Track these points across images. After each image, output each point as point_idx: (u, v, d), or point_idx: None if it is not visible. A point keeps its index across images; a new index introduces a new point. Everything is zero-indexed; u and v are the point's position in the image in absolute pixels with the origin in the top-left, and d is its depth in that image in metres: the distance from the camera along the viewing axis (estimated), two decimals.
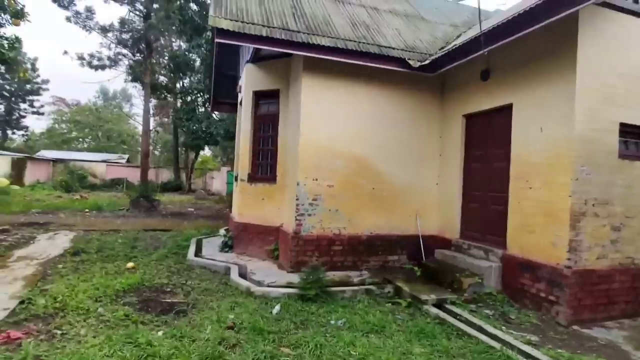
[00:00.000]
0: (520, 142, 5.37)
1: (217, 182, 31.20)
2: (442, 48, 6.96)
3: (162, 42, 19.43)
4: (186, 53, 17.70)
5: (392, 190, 6.84)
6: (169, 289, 5.45)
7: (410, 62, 6.24)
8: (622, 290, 4.83)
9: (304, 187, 6.31)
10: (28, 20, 10.50)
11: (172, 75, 19.60)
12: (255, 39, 5.61)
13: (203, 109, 17.73)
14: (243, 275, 6.22)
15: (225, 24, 5.41)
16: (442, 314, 4.72)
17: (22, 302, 4.59)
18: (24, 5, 10.32)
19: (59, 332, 3.84)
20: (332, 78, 6.44)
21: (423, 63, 6.15)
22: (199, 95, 16.33)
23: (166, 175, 33.96)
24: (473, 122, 6.48)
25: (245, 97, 7.75)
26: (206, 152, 38.07)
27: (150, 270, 6.41)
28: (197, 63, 18.24)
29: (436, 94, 7.15)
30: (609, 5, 4.67)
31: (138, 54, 16.92)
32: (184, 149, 30.57)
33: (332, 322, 4.42)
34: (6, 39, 10.89)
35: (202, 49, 16.84)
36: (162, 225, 12.04)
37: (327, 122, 6.44)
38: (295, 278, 5.82)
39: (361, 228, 6.66)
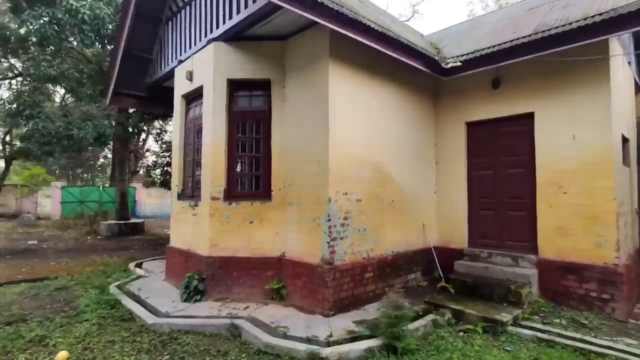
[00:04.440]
0: (548, 149, 5.58)
1: (49, 202, 23.69)
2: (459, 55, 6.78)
3: None
4: (24, 26, 12.54)
5: (405, 201, 6.20)
6: None
7: (443, 62, 5.79)
8: (632, 277, 5.52)
9: (335, 204, 4.99)
10: None
11: None
12: (306, 4, 4.07)
13: (57, 104, 12.82)
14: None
15: None
16: (540, 335, 4.33)
17: None
18: None
19: None
20: (354, 70, 5.38)
21: (455, 64, 5.78)
22: (56, 84, 11.68)
23: None
24: (478, 130, 6.49)
25: (212, 87, 5.72)
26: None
27: (106, 355, 3.84)
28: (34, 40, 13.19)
29: (431, 100, 6.93)
30: None
31: None
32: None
33: None
34: None
35: (45, 21, 12.25)
36: (17, 272, 7.91)
37: (353, 123, 5.32)
38: (343, 323, 4.50)
39: (385, 248, 5.76)
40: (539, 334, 4.34)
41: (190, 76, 6.32)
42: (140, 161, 30.82)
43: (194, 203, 6.08)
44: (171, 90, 8.25)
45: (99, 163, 38.58)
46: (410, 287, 6.07)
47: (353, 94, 5.34)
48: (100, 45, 13.83)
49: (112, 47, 12.82)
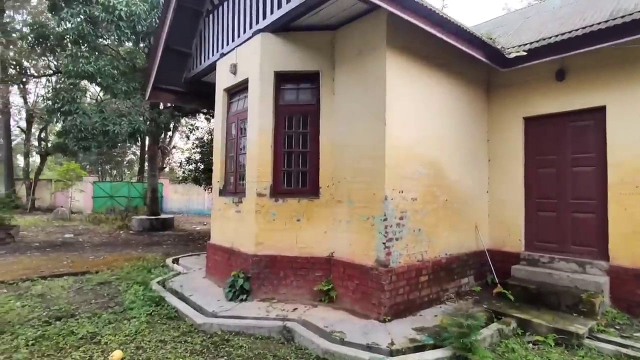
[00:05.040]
0: (622, 146, 5.10)
1: (81, 197, 24.34)
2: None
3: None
4: (59, 24, 12.78)
5: (458, 201, 5.84)
6: None
7: (504, 52, 5.40)
8: None
9: (392, 202, 4.70)
10: None
11: (29, 50, 13.79)
12: None
13: (88, 100, 13.01)
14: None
15: None
16: (623, 350, 3.92)
17: None
18: None
19: None
20: (410, 61, 5.05)
21: (519, 53, 5.36)
22: (93, 80, 11.83)
23: None
24: (538, 125, 6.04)
25: (259, 80, 5.52)
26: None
27: (160, 356, 3.70)
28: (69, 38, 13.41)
29: (484, 93, 6.51)
30: None
31: None
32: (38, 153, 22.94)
33: None
34: None
35: (82, 19, 12.42)
36: (59, 265, 7.99)
37: (408, 117, 5.01)
38: (403, 330, 4.21)
39: (439, 249, 5.42)
40: (622, 349, 3.92)
41: (234, 69, 6.15)
42: (167, 157, 31.36)
43: (237, 199, 5.91)
44: (209, 85, 8.17)
45: (126, 159, 39.51)
46: (463, 292, 5.71)
47: (409, 86, 5.02)
48: (133, 43, 13.97)
49: (147, 43, 12.96)
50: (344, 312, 4.82)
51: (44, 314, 4.86)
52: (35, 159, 29.65)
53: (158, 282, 6.31)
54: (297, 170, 5.60)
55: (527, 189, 6.13)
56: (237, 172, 6.23)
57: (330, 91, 5.47)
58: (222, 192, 6.51)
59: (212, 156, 12.64)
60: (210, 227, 6.85)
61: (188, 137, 17.12)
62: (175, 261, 8.24)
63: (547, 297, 5.03)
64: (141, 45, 14.13)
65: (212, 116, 16.77)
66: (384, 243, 4.60)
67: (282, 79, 5.62)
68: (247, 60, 5.84)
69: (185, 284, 6.16)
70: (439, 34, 4.67)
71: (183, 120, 22.01)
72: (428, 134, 5.30)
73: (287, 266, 5.32)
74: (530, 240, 6.05)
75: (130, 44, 14.16)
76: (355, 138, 5.07)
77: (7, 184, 24.60)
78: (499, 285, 5.57)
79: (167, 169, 32.82)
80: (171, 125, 19.29)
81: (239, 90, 6.28)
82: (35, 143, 27.99)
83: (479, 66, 6.11)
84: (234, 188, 6.24)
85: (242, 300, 5.22)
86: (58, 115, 12.12)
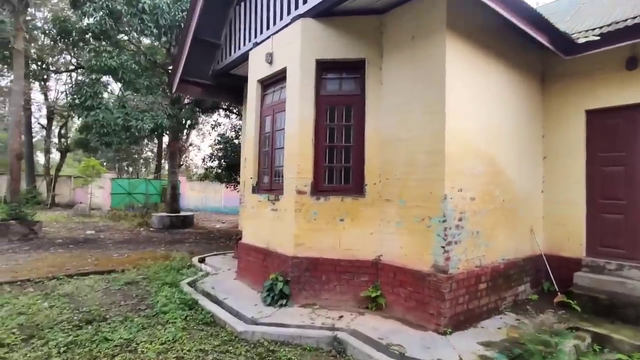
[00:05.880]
0: None
1: (99, 193, 24.44)
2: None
3: None
4: (81, 19, 12.64)
5: (515, 201, 5.35)
6: None
7: (573, 36, 4.89)
8: None
9: (451, 202, 4.25)
10: None
11: (52, 44, 13.73)
12: None
13: (110, 95, 12.86)
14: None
15: None
16: None
17: None
18: None
19: None
20: (469, 47, 4.59)
21: (588, 38, 4.83)
22: (116, 75, 11.64)
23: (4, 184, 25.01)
24: (603, 119, 5.49)
25: (299, 69, 5.12)
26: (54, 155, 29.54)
27: None
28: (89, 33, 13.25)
29: (539, 84, 5.99)
30: None
31: (4, 8, 11.19)
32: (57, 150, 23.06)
33: None
34: None
35: (104, 13, 12.22)
36: (84, 263, 7.76)
37: (467, 109, 4.56)
38: (468, 345, 3.77)
39: (497, 254, 4.95)
40: None
41: (270, 58, 5.77)
42: (184, 155, 31.35)
43: (273, 197, 5.54)
44: (237, 77, 7.87)
45: (142, 156, 39.69)
46: (519, 300, 5.22)
47: (467, 74, 4.56)
48: (155, 38, 13.77)
49: (169, 37, 12.71)
50: (396, 321, 4.39)
51: (74, 317, 4.56)
52: (55, 155, 29.92)
53: (188, 284, 5.99)
54: (340, 166, 5.19)
55: (589, 188, 5.58)
56: (272, 168, 5.86)
57: (377, 80, 5.04)
58: (256, 190, 6.14)
59: (235, 153, 12.41)
60: (242, 226, 6.51)
61: (209, 133, 16.88)
62: (202, 261, 7.93)
63: (621, 309, 4.51)
64: (163, 39, 13.92)
65: (233, 112, 16.54)
66: (442, 247, 4.16)
67: (324, 67, 5.22)
68: (286, 48, 5.45)
69: (217, 286, 5.82)
70: (505, 13, 4.18)
71: (200, 118, 21.84)
72: (485, 128, 4.82)
73: (329, 269, 4.92)
74: (592, 245, 5.52)
75: (152, 39, 13.97)
76: (407, 131, 4.62)
77: (28, 180, 24.80)
78: (559, 294, 5.07)
79: (183, 166, 32.84)
80: (189, 122, 19.16)
81: (275, 81, 5.90)
82: (55, 140, 28.24)
83: (533, 55, 5.65)
84: (269, 185, 5.86)
85: (281, 305, 4.84)
86: (80, 110, 11.98)
